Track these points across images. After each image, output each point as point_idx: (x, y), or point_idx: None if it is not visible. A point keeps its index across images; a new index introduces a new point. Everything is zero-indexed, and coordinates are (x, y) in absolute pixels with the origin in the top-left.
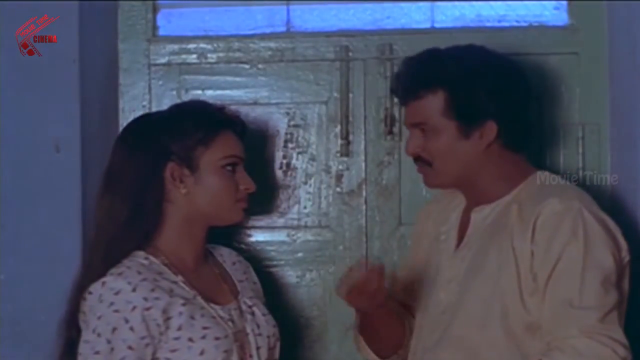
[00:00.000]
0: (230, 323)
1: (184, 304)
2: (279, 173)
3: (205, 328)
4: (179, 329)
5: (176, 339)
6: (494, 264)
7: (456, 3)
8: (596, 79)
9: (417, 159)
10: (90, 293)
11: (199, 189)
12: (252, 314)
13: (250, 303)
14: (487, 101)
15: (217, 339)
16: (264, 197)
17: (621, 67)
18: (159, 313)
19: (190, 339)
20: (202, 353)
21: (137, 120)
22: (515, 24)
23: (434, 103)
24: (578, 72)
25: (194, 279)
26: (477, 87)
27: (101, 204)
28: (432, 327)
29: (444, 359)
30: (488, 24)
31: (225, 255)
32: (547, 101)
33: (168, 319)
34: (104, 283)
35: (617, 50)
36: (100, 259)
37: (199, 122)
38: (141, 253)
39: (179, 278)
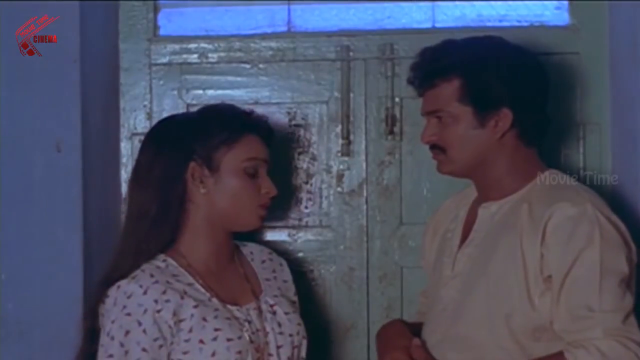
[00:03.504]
0: (246, 323)
1: (195, 306)
2: (279, 173)
3: (217, 330)
4: (190, 330)
5: (187, 340)
6: (500, 263)
7: (457, 3)
8: (597, 79)
9: (433, 146)
10: (107, 296)
11: (219, 190)
12: (274, 312)
13: (272, 302)
14: (501, 87)
15: (229, 340)
16: None
17: (622, 67)
18: (169, 315)
19: (201, 341)
20: (213, 354)
21: (164, 120)
22: (516, 23)
23: (449, 90)
24: (579, 72)
25: (213, 281)
26: (490, 72)
27: (131, 202)
28: (434, 325)
29: (449, 358)
30: (489, 24)
31: (255, 253)
32: (547, 101)
33: (179, 321)
34: (118, 287)
35: (618, 50)
36: (131, 254)
37: (223, 123)
38: (160, 256)
39: (196, 280)
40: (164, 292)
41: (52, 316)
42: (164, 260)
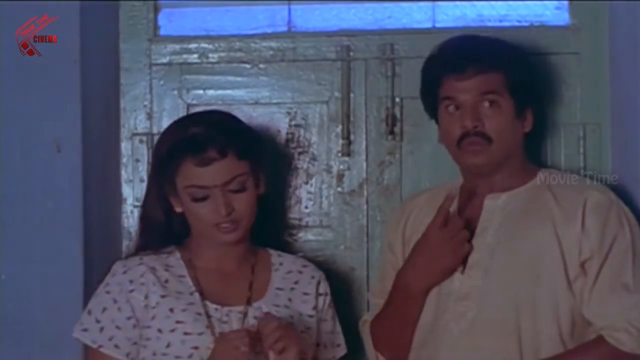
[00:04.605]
0: (217, 323)
1: (163, 296)
2: (280, 173)
3: (178, 322)
4: (153, 318)
5: (148, 327)
6: (530, 250)
7: (457, 3)
8: (597, 79)
9: (468, 135)
10: None
11: (185, 212)
12: None
13: (266, 310)
14: (534, 88)
15: (186, 334)
16: (265, 196)
17: (622, 67)
18: (141, 297)
19: (159, 330)
20: (168, 346)
21: (158, 138)
22: (516, 23)
23: (497, 78)
24: (579, 72)
25: (207, 278)
26: (530, 71)
27: (142, 204)
28: (455, 314)
29: (484, 343)
30: (489, 24)
31: (285, 264)
32: (548, 101)
33: (148, 306)
34: (112, 268)
35: (618, 50)
36: (135, 246)
37: (168, 151)
38: (171, 247)
39: (189, 273)
40: (142, 275)
41: (52, 316)
42: (171, 252)
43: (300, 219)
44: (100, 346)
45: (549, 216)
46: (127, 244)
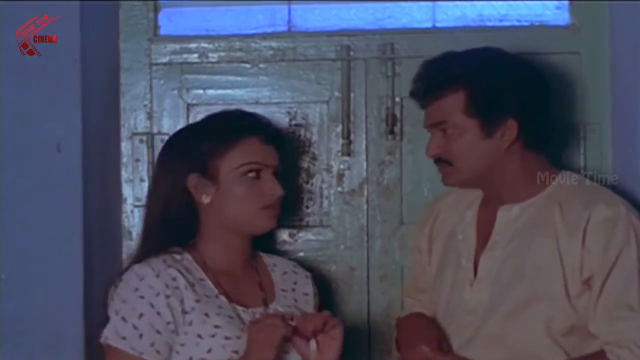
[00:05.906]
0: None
1: (197, 300)
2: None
3: (216, 327)
4: (190, 324)
5: (185, 333)
6: (536, 266)
7: (458, 2)
8: (597, 79)
9: (438, 159)
10: (121, 280)
11: (223, 198)
12: None
13: (282, 310)
14: (507, 98)
15: (226, 338)
16: None
17: (622, 67)
18: (177, 302)
19: (199, 336)
20: (209, 351)
21: (175, 132)
22: (516, 23)
23: (455, 102)
24: (579, 72)
25: (225, 280)
26: (497, 84)
27: (146, 206)
28: (460, 327)
29: (480, 357)
30: (489, 24)
31: (278, 265)
32: (548, 101)
33: (184, 311)
34: (132, 270)
35: (619, 50)
36: (139, 248)
37: (213, 132)
38: (178, 249)
39: (207, 276)
40: (175, 279)
41: (52, 316)
42: (181, 254)
43: (300, 219)
44: (141, 353)
45: (553, 230)
46: (127, 244)
